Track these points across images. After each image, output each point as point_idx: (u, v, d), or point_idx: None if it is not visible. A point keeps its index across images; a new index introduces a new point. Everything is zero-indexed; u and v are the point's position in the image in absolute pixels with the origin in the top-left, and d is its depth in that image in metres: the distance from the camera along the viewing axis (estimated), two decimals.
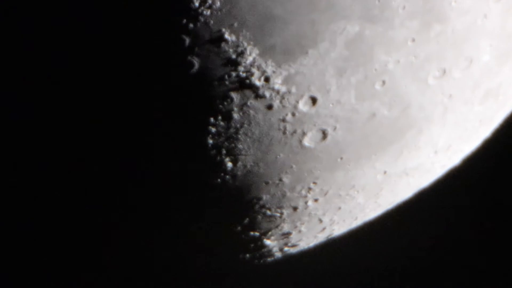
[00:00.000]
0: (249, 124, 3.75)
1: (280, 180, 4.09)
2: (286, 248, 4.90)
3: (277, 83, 3.63)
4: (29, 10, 3.44)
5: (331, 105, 3.78)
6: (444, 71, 3.96)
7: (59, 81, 3.59)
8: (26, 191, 4.11)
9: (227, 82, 3.59)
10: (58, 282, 4.98)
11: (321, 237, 4.95)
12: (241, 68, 3.56)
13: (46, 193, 4.11)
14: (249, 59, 3.53)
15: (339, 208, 4.53)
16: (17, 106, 3.71)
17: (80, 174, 3.96)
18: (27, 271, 4.86)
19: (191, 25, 3.41)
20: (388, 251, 7.44)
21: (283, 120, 3.78)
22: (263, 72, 3.58)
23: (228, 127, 3.75)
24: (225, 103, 3.65)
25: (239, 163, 3.94)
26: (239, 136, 3.80)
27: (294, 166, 4.02)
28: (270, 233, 4.57)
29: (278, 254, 4.98)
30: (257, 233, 4.54)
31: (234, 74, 3.57)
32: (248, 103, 3.68)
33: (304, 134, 3.87)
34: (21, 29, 3.48)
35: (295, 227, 4.57)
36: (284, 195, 4.22)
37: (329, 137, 3.92)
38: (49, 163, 3.91)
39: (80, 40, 3.46)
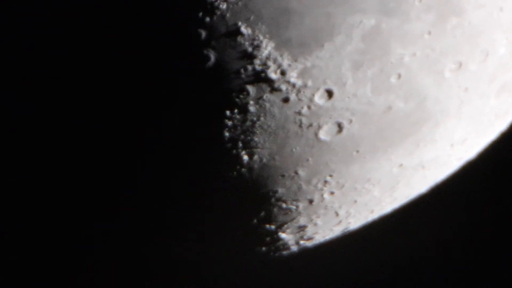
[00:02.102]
0: (265, 117, 3.76)
1: (296, 173, 4.10)
2: (302, 241, 4.90)
3: (293, 76, 3.64)
4: (29, 10, 3.45)
5: (347, 98, 3.79)
6: (460, 64, 3.95)
7: (60, 81, 3.59)
8: (26, 191, 4.11)
9: (243, 75, 3.60)
10: (57, 282, 4.99)
11: (337, 230, 4.95)
12: (257, 62, 3.57)
13: (46, 193, 4.11)
14: (265, 53, 3.54)
15: (355, 201, 4.53)
16: (17, 106, 3.71)
17: (83, 174, 3.96)
18: (26, 271, 4.87)
19: (207, 19, 3.42)
20: (403, 246, 7.43)
21: (299, 113, 3.78)
22: (279, 65, 3.59)
23: (244, 120, 3.76)
24: (241, 96, 3.66)
25: (255, 156, 3.94)
26: (255, 129, 3.81)
27: (310, 159, 4.03)
28: (286, 226, 4.58)
29: (294, 248, 4.99)
30: (273, 226, 4.55)
31: (250, 67, 3.58)
32: (264, 96, 3.68)
33: (320, 127, 3.87)
34: (21, 29, 3.48)
35: (311, 220, 4.58)
36: (300, 188, 4.22)
37: (345, 130, 3.93)
38: (49, 163, 3.92)
39: (87, 37, 3.47)
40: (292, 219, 4.51)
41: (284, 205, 4.34)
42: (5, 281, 4.94)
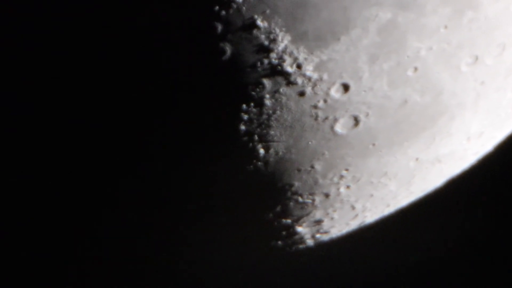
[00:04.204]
0: (281, 110, 3.76)
1: (312, 167, 4.10)
2: (318, 235, 4.91)
3: (309, 69, 3.64)
4: (29, 10, 3.45)
5: (363, 92, 3.79)
6: (477, 58, 3.95)
7: (60, 81, 3.59)
8: (26, 191, 4.12)
9: (259, 69, 3.61)
10: (57, 281, 5.01)
11: (353, 224, 4.96)
12: (273, 55, 3.57)
13: (46, 193, 4.12)
14: (281, 46, 3.54)
15: (371, 195, 4.53)
16: (17, 106, 3.72)
17: (83, 174, 3.97)
18: (27, 270, 4.89)
19: (223, 12, 3.43)
20: (418, 240, 7.42)
21: (315, 106, 3.79)
22: (295, 58, 3.59)
23: (260, 114, 3.76)
24: (257, 89, 3.67)
25: (271, 150, 3.95)
26: (271, 122, 3.81)
27: (326, 152, 4.03)
28: (302, 220, 4.58)
29: (310, 241, 4.99)
30: (289, 220, 4.55)
31: (266, 61, 3.58)
32: (280, 90, 3.69)
33: (336, 120, 3.88)
34: (21, 29, 3.49)
35: (327, 214, 4.58)
36: (316, 182, 4.23)
37: (361, 124, 3.93)
38: (49, 163, 3.92)
39: (92, 35, 3.47)
40: (308, 213, 4.52)
41: (300, 199, 4.35)
42: (5, 281, 4.96)
